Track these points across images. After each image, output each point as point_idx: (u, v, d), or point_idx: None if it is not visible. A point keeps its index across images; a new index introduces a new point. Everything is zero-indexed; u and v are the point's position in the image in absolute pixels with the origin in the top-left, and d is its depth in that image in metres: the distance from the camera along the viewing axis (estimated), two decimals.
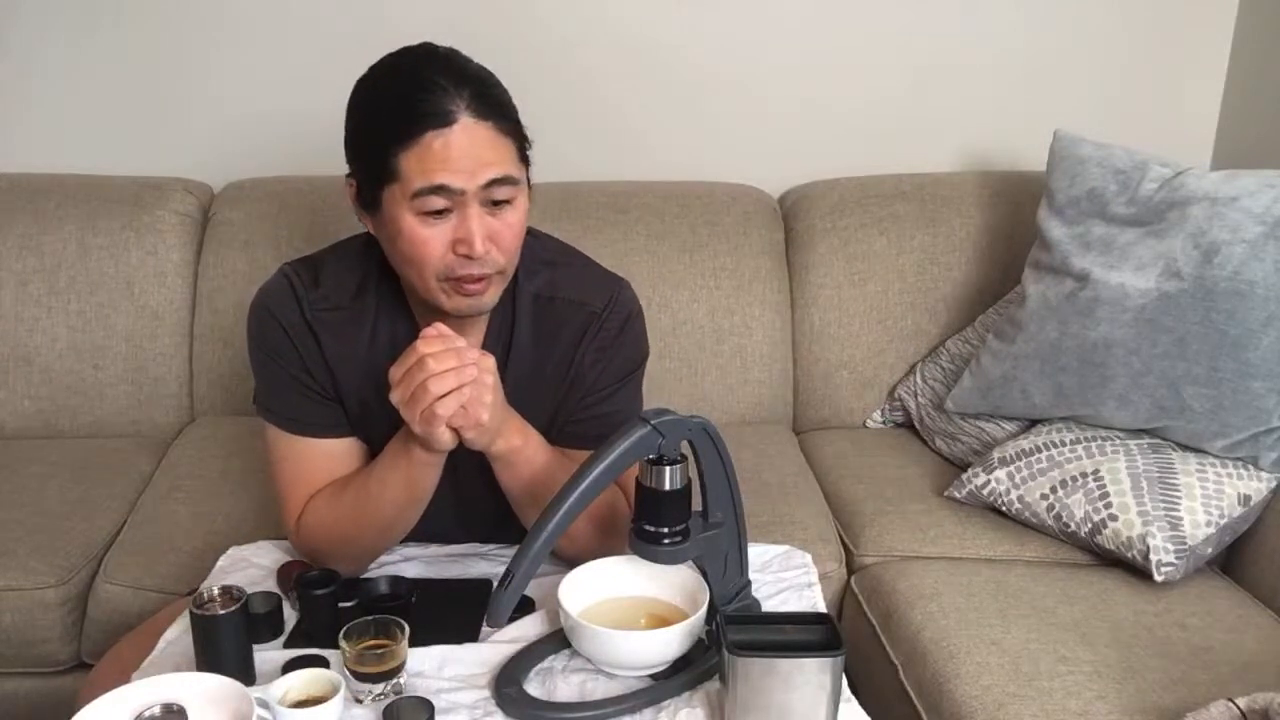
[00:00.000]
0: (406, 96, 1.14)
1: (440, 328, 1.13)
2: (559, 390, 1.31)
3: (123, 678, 1.11)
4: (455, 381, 1.10)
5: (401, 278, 1.25)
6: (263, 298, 1.29)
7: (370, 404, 1.28)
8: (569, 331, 1.30)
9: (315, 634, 1.17)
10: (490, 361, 1.14)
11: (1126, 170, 1.77)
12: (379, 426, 1.27)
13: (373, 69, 1.20)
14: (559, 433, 1.32)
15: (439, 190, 1.13)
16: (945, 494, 1.82)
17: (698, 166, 2.24)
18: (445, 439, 1.15)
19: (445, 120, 1.12)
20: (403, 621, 1.09)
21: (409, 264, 1.19)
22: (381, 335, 1.28)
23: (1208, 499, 1.61)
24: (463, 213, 1.15)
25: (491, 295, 1.21)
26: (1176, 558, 1.57)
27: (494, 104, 1.16)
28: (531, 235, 1.33)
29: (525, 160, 1.20)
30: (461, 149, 1.13)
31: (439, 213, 1.15)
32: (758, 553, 1.35)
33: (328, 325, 1.27)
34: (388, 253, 1.23)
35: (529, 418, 1.26)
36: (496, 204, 1.17)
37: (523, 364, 1.30)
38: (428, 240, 1.15)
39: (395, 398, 1.13)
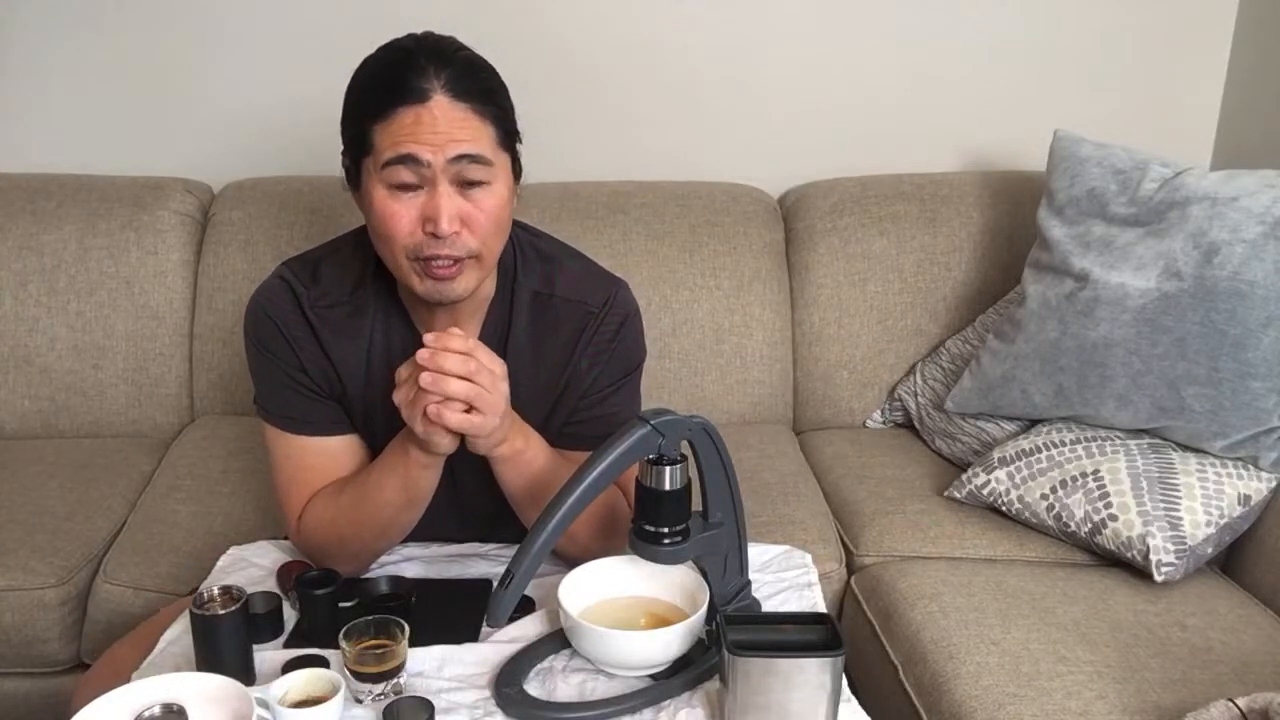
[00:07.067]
0: (387, 74, 1.15)
1: (447, 331, 1.12)
2: (555, 388, 1.31)
3: (117, 679, 1.11)
4: (458, 388, 1.09)
5: (381, 259, 1.23)
6: (258, 298, 1.29)
7: (373, 399, 1.28)
8: (566, 329, 1.30)
9: (315, 634, 1.17)
10: (499, 366, 1.13)
11: (1126, 170, 1.77)
12: (383, 422, 1.26)
13: (373, 53, 1.21)
14: (557, 434, 1.32)
15: (405, 160, 1.13)
16: (945, 494, 1.82)
17: (698, 166, 2.24)
18: (444, 443, 1.15)
19: (419, 97, 1.13)
20: (403, 621, 1.09)
21: (380, 240, 1.18)
22: (378, 329, 1.29)
23: (1208, 499, 1.61)
24: (432, 190, 1.14)
25: (463, 282, 1.18)
26: (1176, 558, 1.57)
27: (473, 86, 1.16)
28: (531, 232, 1.33)
29: (510, 150, 1.20)
30: (431, 124, 1.13)
31: (408, 187, 1.14)
32: (758, 553, 1.35)
33: (329, 321, 1.27)
34: (370, 232, 1.22)
35: (525, 413, 1.26)
36: (469, 185, 1.16)
37: (519, 360, 1.29)
38: (395, 214, 1.15)
39: (398, 398, 1.13)
